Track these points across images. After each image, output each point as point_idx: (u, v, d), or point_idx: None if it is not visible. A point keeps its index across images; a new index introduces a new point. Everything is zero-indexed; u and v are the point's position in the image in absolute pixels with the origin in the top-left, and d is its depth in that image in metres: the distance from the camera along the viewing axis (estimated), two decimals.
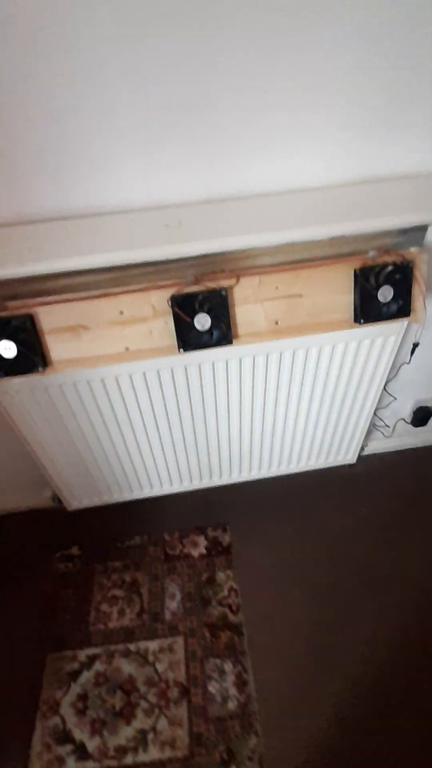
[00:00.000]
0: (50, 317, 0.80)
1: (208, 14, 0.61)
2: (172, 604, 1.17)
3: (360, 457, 1.43)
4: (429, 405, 1.32)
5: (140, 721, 0.99)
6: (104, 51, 0.62)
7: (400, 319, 0.88)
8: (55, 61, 0.62)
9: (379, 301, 0.84)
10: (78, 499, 1.25)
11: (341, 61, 0.67)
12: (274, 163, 0.76)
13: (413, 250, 0.84)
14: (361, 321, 0.86)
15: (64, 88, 0.64)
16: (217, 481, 1.29)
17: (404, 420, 1.37)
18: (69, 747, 0.97)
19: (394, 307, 0.85)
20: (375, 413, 1.29)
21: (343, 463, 1.34)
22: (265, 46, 0.64)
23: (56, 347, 0.83)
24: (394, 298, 0.84)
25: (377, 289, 0.83)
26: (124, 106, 0.67)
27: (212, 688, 1.02)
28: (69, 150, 0.70)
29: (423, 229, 0.85)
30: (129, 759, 0.94)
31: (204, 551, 1.26)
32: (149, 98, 0.67)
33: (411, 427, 1.39)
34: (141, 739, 0.97)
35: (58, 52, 0.61)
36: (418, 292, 0.85)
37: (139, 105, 0.67)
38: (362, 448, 1.40)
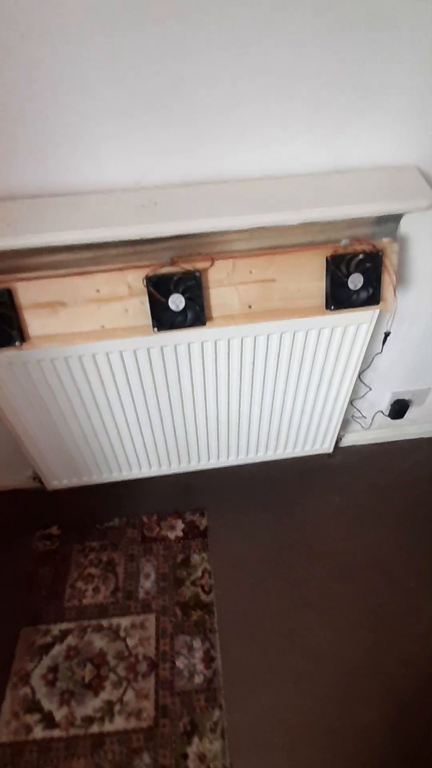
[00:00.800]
0: (29, 292, 0.82)
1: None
2: (147, 584, 1.19)
3: (338, 449, 1.46)
4: (406, 398, 1.34)
5: (108, 693, 1.01)
6: (84, 28, 0.64)
7: (371, 308, 0.91)
8: (34, 39, 0.64)
9: (349, 288, 0.87)
10: (58, 478, 1.27)
11: (317, 52, 0.69)
12: (249, 149, 0.78)
13: (384, 240, 0.87)
14: (332, 307, 0.88)
15: (44, 67, 0.66)
16: (195, 465, 1.32)
17: (382, 412, 1.39)
18: (37, 716, 0.99)
19: (364, 295, 0.88)
20: (352, 404, 1.32)
21: (320, 452, 1.37)
22: (241, 38, 0.66)
23: (34, 323, 0.85)
24: (364, 287, 0.87)
25: (347, 276, 0.85)
26: (103, 87, 0.69)
27: (180, 663, 1.05)
28: (49, 129, 0.72)
29: (396, 219, 0.87)
30: (95, 728, 0.97)
31: (180, 534, 1.29)
32: (127, 81, 0.69)
33: (389, 419, 1.41)
34: (108, 710, 0.99)
35: (35, 30, 0.63)
36: (387, 281, 0.88)
37: (118, 88, 0.69)
38: (340, 439, 1.43)
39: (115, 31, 0.64)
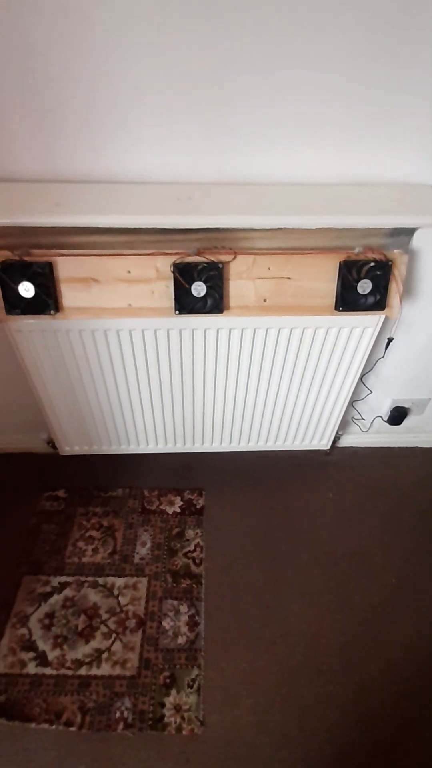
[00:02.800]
0: (67, 267, 0.91)
1: (232, 19, 0.71)
2: (142, 550, 1.28)
3: (336, 448, 1.53)
4: (405, 405, 1.41)
5: (98, 642, 1.10)
6: (143, 41, 0.72)
7: (377, 313, 0.98)
8: (98, 48, 0.73)
9: (358, 292, 0.94)
10: (71, 445, 1.37)
11: (346, 77, 0.77)
12: (278, 157, 0.86)
13: (395, 251, 0.94)
14: (340, 308, 0.95)
15: (101, 70, 0.75)
16: (199, 447, 1.40)
17: (381, 417, 1.46)
18: (32, 654, 1.09)
19: (371, 300, 0.95)
20: (353, 405, 1.39)
21: (318, 448, 1.44)
22: (280, 61, 0.74)
23: (68, 295, 0.94)
24: (372, 292, 0.94)
25: (357, 281, 0.93)
26: (152, 92, 0.77)
27: (166, 624, 1.13)
28: (103, 123, 0.81)
29: (409, 233, 0.94)
30: (83, 671, 1.06)
31: (178, 510, 1.37)
32: (175, 89, 0.77)
33: (387, 425, 1.48)
34: (96, 657, 1.08)
35: (100, 39, 0.72)
36: (394, 289, 0.95)
37: (166, 93, 0.78)
38: (338, 438, 1.50)
39: (168, 47, 0.73)
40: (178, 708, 1.01)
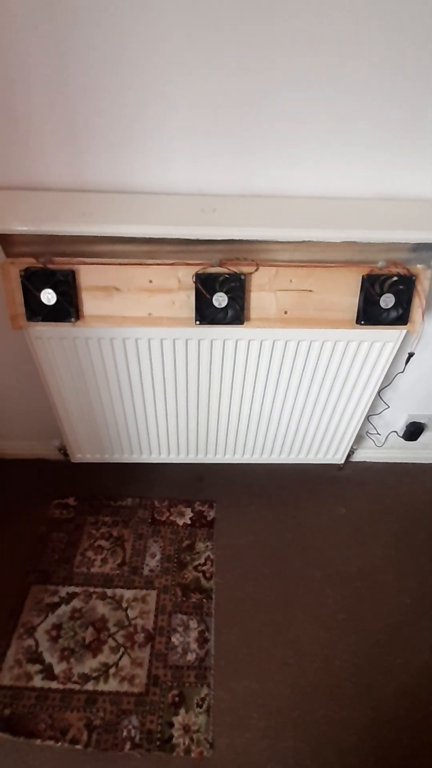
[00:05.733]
0: (89, 275, 0.91)
1: (268, 39, 0.72)
2: (152, 562, 1.26)
3: (350, 463, 1.51)
4: (421, 421, 1.39)
5: (105, 656, 1.08)
6: (172, 60, 0.73)
7: (398, 327, 0.97)
8: (129, 59, 0.73)
9: (380, 306, 0.93)
10: (82, 452, 1.36)
11: (375, 96, 0.77)
12: (304, 171, 0.86)
13: (419, 266, 0.93)
14: (362, 322, 0.95)
15: (135, 87, 0.76)
16: (211, 458, 1.38)
17: (396, 433, 1.44)
18: (38, 667, 1.06)
19: (393, 315, 0.94)
20: (368, 419, 1.37)
21: (332, 462, 1.42)
22: (305, 73, 0.75)
23: (89, 303, 0.94)
24: (394, 307, 0.93)
25: (380, 295, 0.92)
26: (182, 106, 0.78)
27: (175, 639, 1.11)
28: (131, 136, 0.81)
29: (431, 248, 0.94)
30: (90, 686, 1.03)
31: (188, 521, 1.35)
32: (205, 106, 0.78)
33: (402, 441, 1.46)
34: (104, 672, 1.05)
35: (132, 50, 0.73)
36: (417, 304, 0.94)
37: (195, 110, 0.79)
38: (352, 453, 1.48)
39: (200, 65, 0.73)
40: (186, 728, 0.98)
